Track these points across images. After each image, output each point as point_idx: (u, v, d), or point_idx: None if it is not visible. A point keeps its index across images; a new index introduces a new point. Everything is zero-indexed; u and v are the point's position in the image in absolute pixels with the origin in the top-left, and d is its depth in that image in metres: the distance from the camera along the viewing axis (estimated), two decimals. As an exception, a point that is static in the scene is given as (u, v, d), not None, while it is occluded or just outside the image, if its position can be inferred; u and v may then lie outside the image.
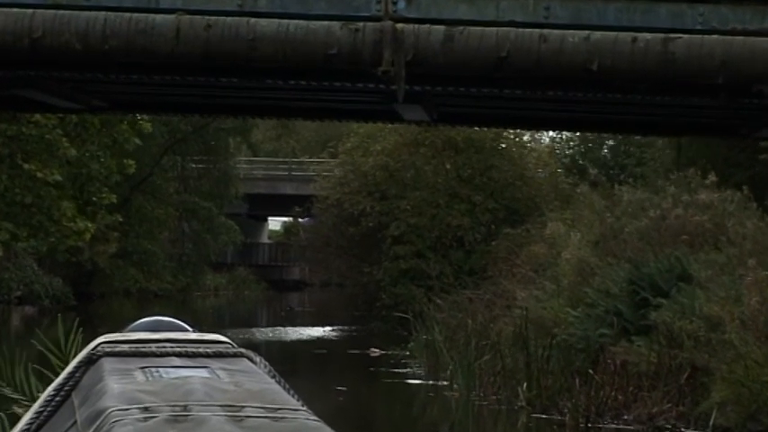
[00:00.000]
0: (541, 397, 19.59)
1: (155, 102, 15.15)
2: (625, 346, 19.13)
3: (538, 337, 21.00)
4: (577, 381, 18.97)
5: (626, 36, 10.70)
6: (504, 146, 37.07)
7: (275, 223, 79.39)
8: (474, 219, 35.36)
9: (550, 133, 48.49)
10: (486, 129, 33.26)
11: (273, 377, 2.16)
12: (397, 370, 25.37)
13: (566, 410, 18.77)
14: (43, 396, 2.22)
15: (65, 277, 46.73)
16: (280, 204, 60.38)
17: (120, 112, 18.62)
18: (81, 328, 7.23)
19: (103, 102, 14.61)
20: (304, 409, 1.94)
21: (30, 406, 2.41)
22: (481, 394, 21.20)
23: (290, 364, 25.36)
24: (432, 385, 23.20)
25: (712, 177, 23.41)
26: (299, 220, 61.27)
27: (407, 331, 31.74)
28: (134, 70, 11.73)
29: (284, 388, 2.10)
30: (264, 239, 77.13)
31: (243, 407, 1.87)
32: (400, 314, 31.56)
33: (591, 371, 18.85)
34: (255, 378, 2.09)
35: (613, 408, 18.26)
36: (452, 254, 35.29)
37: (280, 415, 1.87)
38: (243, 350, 2.24)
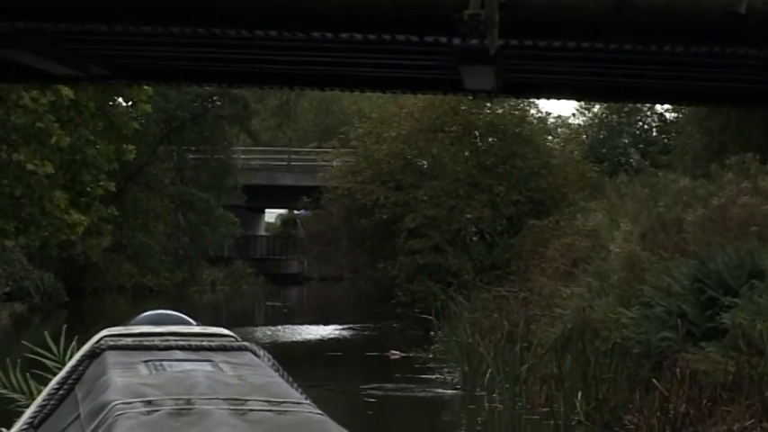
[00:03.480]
0: (602, 410, 17.27)
1: (167, 68, 12.59)
2: (694, 352, 16.97)
3: (585, 340, 18.85)
4: (638, 391, 16.85)
5: (782, -30, 8.33)
6: (529, 125, 34.64)
7: (270, 215, 78.07)
8: (496, 210, 33.01)
9: (565, 114, 46.46)
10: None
11: (277, 371, 2.14)
12: (425, 376, 22.99)
13: (632, 427, 16.44)
14: (46, 389, 2.20)
15: (56, 272, 44.98)
16: (278, 196, 58.82)
17: (124, 81, 16.16)
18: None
19: (104, 68, 12.11)
20: (308, 402, 1.91)
21: (28, 405, 2.40)
22: (528, 406, 18.85)
23: (302, 367, 22.88)
24: (468, 394, 20.80)
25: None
26: (296, 212, 59.56)
27: (425, 330, 29.60)
28: (145, 20, 9.24)
29: (288, 381, 2.08)
30: (262, 232, 75.48)
31: (246, 400, 1.85)
32: (421, 313, 29.35)
33: (654, 380, 16.63)
34: (259, 371, 2.08)
35: (687, 424, 15.99)
36: (473, 248, 32.99)
37: (283, 408, 1.85)
38: (246, 343, 2.21)
